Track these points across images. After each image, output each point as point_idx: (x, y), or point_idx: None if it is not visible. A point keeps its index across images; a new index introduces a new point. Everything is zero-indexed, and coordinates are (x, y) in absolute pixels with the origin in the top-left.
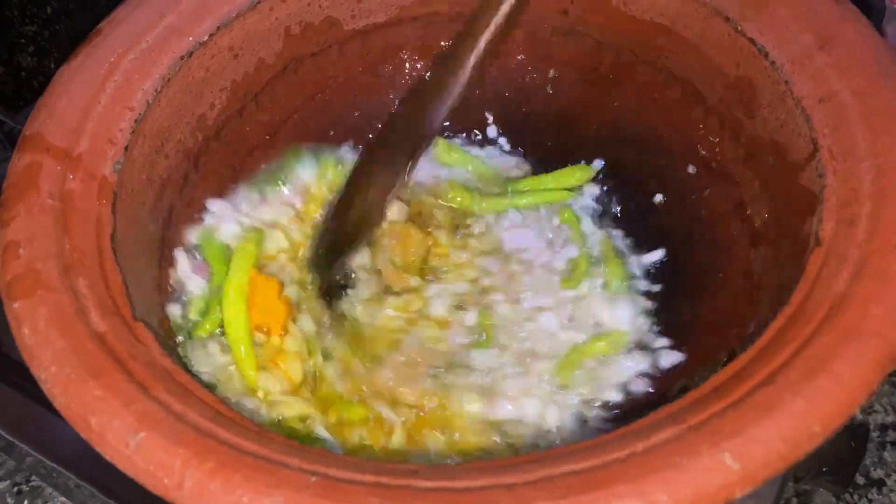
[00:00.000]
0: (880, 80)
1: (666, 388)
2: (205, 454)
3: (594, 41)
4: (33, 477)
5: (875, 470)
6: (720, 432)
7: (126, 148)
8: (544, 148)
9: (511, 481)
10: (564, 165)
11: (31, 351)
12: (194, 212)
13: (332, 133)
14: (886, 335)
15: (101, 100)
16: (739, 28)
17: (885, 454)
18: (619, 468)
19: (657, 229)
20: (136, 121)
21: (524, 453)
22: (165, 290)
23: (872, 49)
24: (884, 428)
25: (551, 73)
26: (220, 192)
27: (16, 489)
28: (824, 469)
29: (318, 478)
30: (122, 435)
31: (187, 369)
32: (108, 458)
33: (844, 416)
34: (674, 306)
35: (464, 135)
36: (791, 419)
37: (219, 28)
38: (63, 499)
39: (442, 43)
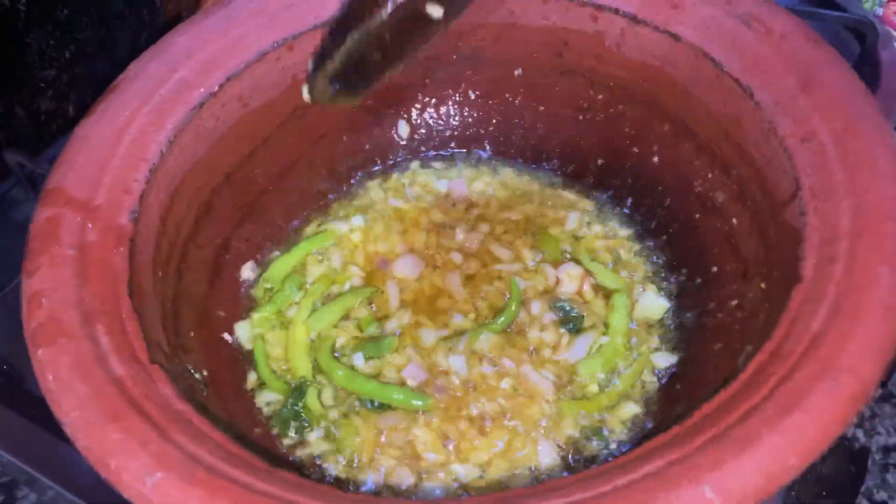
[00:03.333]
0: (857, 122)
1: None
2: (217, 493)
3: (588, 80)
4: None
5: (878, 492)
6: (700, 466)
7: (141, 197)
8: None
9: None
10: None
11: (54, 396)
12: (206, 253)
13: (341, 169)
14: (859, 371)
15: (117, 152)
16: (725, 69)
17: (888, 476)
18: (605, 500)
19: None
20: (150, 171)
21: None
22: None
23: (850, 92)
24: (887, 450)
25: (541, 108)
26: (230, 234)
27: None
28: (824, 493)
29: None
30: (140, 475)
31: (202, 410)
32: (126, 496)
33: (820, 449)
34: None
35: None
36: (768, 453)
37: (228, 79)
38: None
39: (444, 90)
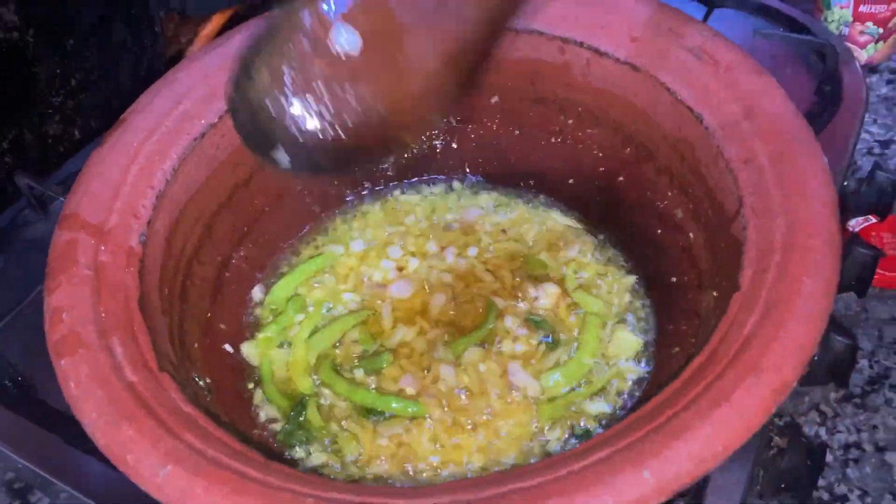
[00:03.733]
0: (792, 146)
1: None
2: (221, 482)
3: (558, 107)
4: None
5: (838, 486)
6: (642, 453)
7: (149, 221)
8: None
9: (467, 498)
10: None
11: (76, 401)
12: (207, 271)
13: (332, 192)
14: (781, 370)
15: (127, 180)
16: (679, 97)
17: (848, 471)
18: (559, 484)
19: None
20: (157, 197)
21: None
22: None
23: (787, 118)
24: (847, 447)
25: (517, 132)
26: (230, 253)
27: None
28: (783, 485)
29: (312, 499)
30: (153, 468)
31: (206, 412)
32: (141, 487)
33: (743, 437)
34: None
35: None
36: (699, 442)
37: (227, 110)
38: None
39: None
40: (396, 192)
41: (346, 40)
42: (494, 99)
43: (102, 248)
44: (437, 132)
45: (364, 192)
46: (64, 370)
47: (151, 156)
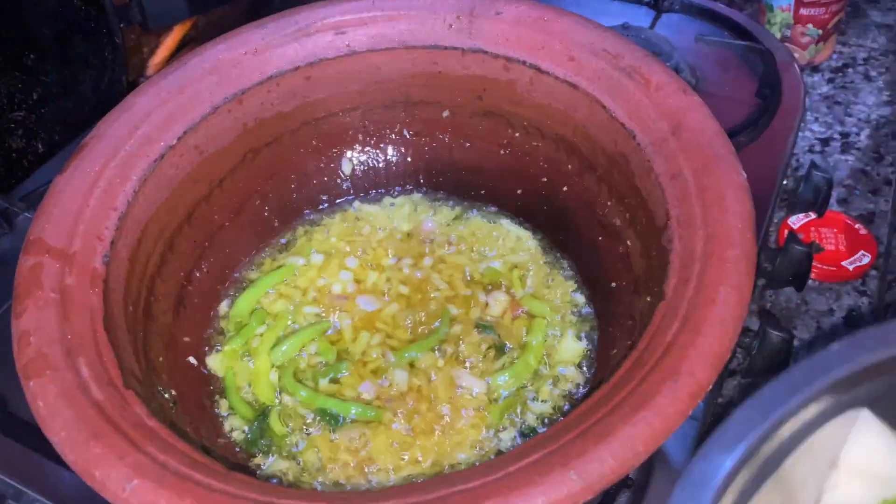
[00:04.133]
0: (713, 161)
1: None
2: (184, 493)
3: (506, 121)
4: None
5: None
6: (569, 455)
7: (112, 243)
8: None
9: (415, 500)
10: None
11: (45, 420)
12: (170, 286)
13: (290, 205)
14: (697, 375)
15: (89, 203)
16: (613, 114)
17: None
18: (497, 485)
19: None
20: (119, 218)
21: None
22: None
23: (710, 134)
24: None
25: (468, 145)
26: (192, 269)
27: None
28: None
29: None
30: (120, 482)
31: (170, 425)
32: (109, 500)
33: (662, 438)
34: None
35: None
36: (621, 443)
37: (185, 132)
38: None
39: (381, 130)
40: (356, 204)
41: None
42: (445, 113)
43: (67, 271)
44: (393, 145)
45: (322, 207)
46: (33, 391)
47: (112, 179)
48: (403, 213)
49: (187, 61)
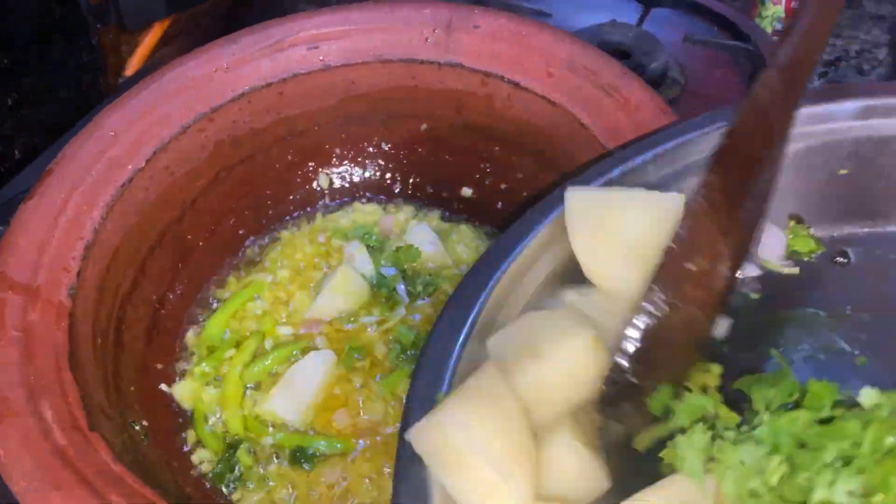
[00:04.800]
0: None
1: None
2: None
3: (485, 134)
4: None
5: None
6: None
7: (79, 273)
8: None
9: None
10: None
11: (5, 469)
12: (142, 312)
13: (265, 221)
14: None
15: (54, 234)
16: (591, 131)
17: None
18: None
19: None
20: (86, 247)
21: None
22: None
23: None
24: None
25: (447, 157)
26: (165, 292)
27: None
28: None
29: None
30: None
31: (137, 467)
32: None
33: None
34: None
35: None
36: None
37: (155, 153)
38: None
39: (359, 144)
40: (326, 218)
41: None
42: (423, 126)
43: (31, 307)
44: (371, 159)
45: (299, 219)
46: None
47: (79, 206)
48: (384, 224)
49: (156, 79)
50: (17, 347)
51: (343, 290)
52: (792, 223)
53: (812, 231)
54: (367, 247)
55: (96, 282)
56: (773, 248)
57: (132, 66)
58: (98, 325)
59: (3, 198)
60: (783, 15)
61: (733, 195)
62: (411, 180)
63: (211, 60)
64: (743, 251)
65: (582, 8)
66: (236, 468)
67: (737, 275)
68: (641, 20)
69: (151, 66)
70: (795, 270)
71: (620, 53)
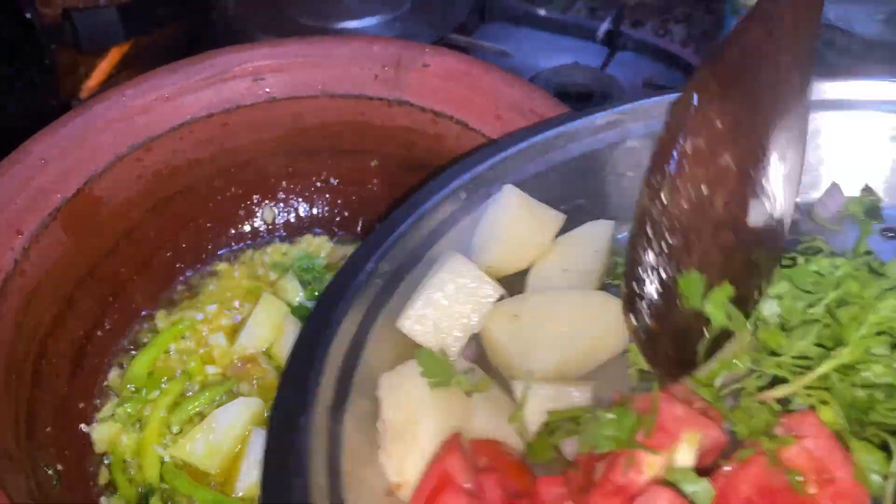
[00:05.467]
0: None
1: None
2: None
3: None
4: None
5: None
6: None
7: None
8: None
9: None
10: None
11: None
12: (64, 348)
13: (203, 255)
14: None
15: None
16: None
17: None
18: None
19: None
20: (4, 280)
21: None
22: None
23: None
24: None
25: (398, 195)
26: (92, 325)
27: None
28: None
29: None
30: None
31: None
32: None
33: None
34: None
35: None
36: None
37: (86, 182)
38: None
39: (306, 177)
40: (265, 253)
41: None
42: (374, 162)
43: None
44: (319, 193)
45: (240, 253)
46: None
47: None
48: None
49: (92, 107)
50: None
51: (265, 321)
52: (861, 190)
53: (881, 204)
54: (305, 280)
55: (14, 315)
56: (829, 205)
57: (87, 88)
58: (13, 362)
59: None
60: None
61: (726, 83)
62: (361, 218)
63: (151, 89)
64: (759, 157)
65: (547, 50)
66: None
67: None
68: (606, 64)
69: (107, 88)
70: (839, 228)
71: (580, 95)
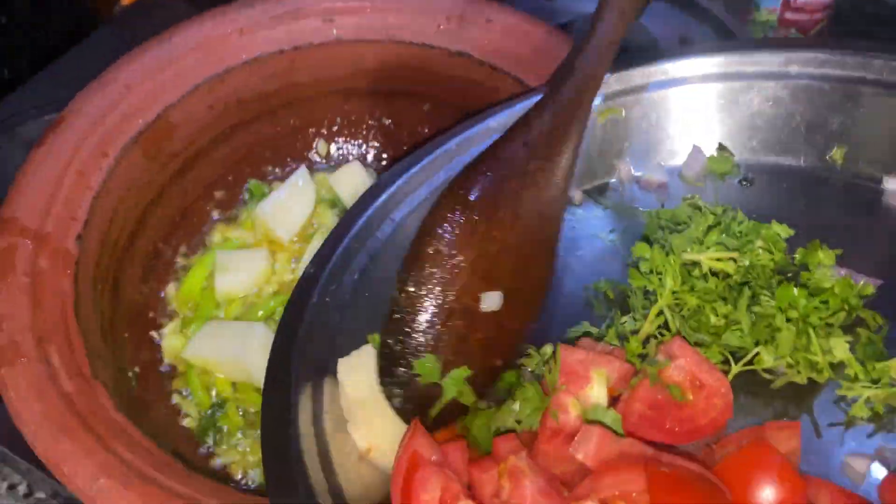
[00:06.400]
0: None
1: None
2: (147, 496)
3: None
4: None
5: None
6: None
7: (86, 222)
8: None
9: None
10: None
11: (16, 411)
12: (137, 262)
13: (261, 179)
14: None
15: (64, 182)
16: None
17: None
18: None
19: None
20: (93, 198)
21: None
22: None
23: None
24: None
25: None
26: (160, 242)
27: None
28: None
29: None
30: (87, 480)
31: (134, 416)
32: (76, 495)
33: None
34: None
35: None
36: None
37: (165, 109)
38: (18, 477)
39: (361, 116)
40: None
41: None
42: (426, 107)
43: (40, 252)
44: (371, 131)
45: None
46: (3, 380)
47: (89, 157)
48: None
49: (172, 36)
50: (26, 293)
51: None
52: (717, 149)
53: (734, 159)
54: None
55: (100, 233)
56: (693, 166)
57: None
58: (99, 273)
59: None
60: (776, 25)
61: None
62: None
63: (227, 22)
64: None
65: None
66: (217, 426)
67: None
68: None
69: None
70: (701, 184)
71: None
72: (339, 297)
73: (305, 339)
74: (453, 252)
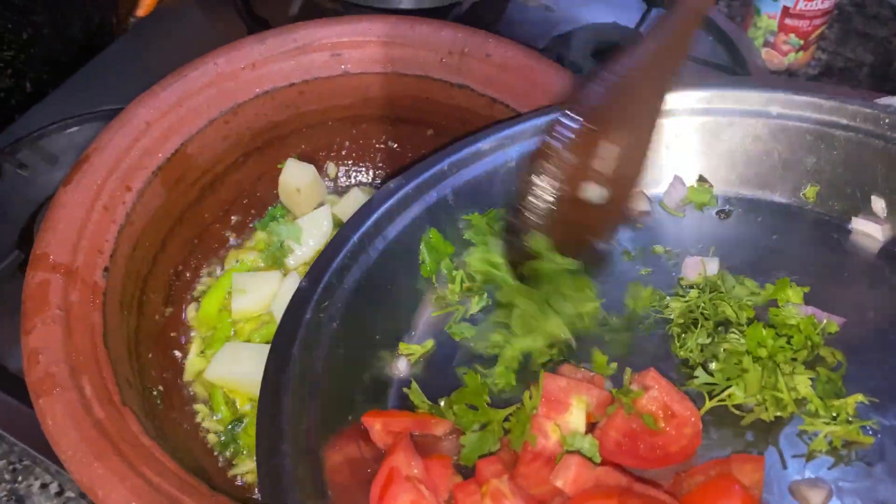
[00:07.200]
0: None
1: None
2: None
3: None
4: (25, 458)
5: None
6: None
7: (112, 255)
8: None
9: None
10: None
11: (53, 438)
12: (160, 285)
13: (272, 201)
14: None
15: (91, 217)
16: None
17: None
18: None
19: None
20: (118, 231)
21: None
22: None
23: None
24: None
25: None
26: (179, 264)
27: (11, 467)
28: None
29: None
30: (119, 503)
31: (160, 440)
32: None
33: None
34: None
35: None
36: None
37: (183, 143)
38: (49, 477)
39: (368, 140)
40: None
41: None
42: (430, 132)
43: (71, 286)
44: (378, 154)
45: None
46: (42, 409)
47: (113, 192)
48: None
49: (187, 73)
50: (60, 325)
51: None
52: (697, 181)
53: (714, 190)
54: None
55: (125, 261)
56: (673, 195)
57: (145, 5)
58: (125, 299)
59: (13, 135)
60: (776, 30)
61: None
62: None
63: (239, 58)
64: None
65: (588, 3)
66: (237, 440)
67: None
68: (640, 23)
69: (164, 7)
70: (682, 214)
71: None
72: (331, 312)
73: (299, 354)
74: (567, 153)
